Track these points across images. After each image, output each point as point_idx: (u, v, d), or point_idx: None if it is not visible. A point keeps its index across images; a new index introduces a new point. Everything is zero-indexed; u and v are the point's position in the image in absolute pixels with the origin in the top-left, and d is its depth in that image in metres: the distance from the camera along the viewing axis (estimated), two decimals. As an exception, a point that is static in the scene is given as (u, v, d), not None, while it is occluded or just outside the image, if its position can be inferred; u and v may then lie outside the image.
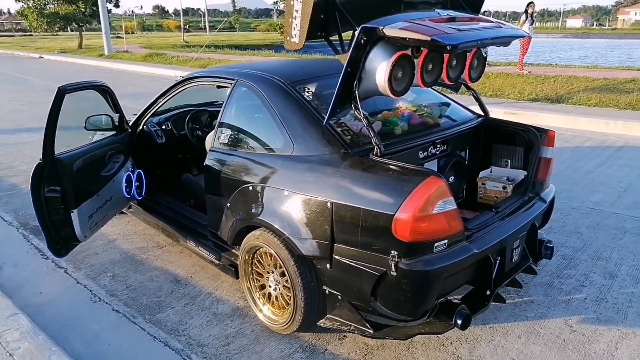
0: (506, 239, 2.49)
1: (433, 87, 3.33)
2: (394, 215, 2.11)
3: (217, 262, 3.07)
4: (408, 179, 2.17)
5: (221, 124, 3.03)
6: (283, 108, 2.67)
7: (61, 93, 2.68)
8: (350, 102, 2.41)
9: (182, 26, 46.86)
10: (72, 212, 2.92)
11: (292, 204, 2.47)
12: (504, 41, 2.60)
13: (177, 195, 3.80)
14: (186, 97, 3.80)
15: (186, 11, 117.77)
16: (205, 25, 67.23)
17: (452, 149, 3.03)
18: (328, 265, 2.37)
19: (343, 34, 2.67)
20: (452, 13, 2.55)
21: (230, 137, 2.98)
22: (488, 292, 2.46)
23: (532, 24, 11.72)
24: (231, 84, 3.02)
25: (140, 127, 3.82)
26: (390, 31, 2.20)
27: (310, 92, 2.80)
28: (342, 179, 2.33)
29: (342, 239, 2.29)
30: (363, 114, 2.40)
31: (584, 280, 3.24)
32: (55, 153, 2.83)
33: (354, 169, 2.34)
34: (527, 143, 3.02)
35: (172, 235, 3.52)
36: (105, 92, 3.34)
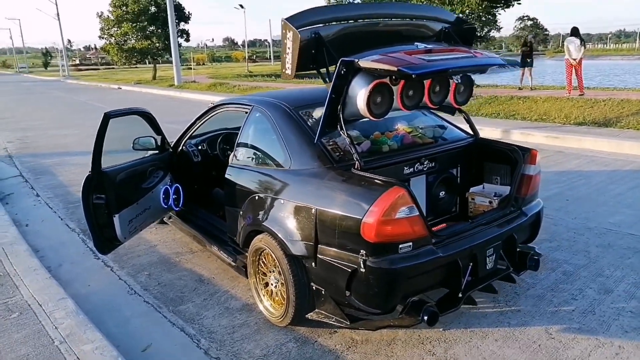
0: (476, 247, 2.74)
1: (432, 111, 3.67)
2: (362, 219, 2.46)
3: (234, 264, 3.51)
4: (375, 188, 2.52)
5: (239, 144, 3.53)
6: (286, 129, 3.11)
7: (106, 118, 3.29)
8: (337, 124, 2.81)
9: (246, 57, 49.40)
10: (115, 216, 3.49)
11: (286, 210, 2.88)
12: (478, 69, 2.91)
13: (209, 207, 4.31)
14: (222, 122, 4.35)
15: (253, 42, 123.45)
16: (270, 56, 70.22)
17: (441, 166, 3.32)
18: (313, 264, 2.74)
19: (331, 67, 3.09)
20: (431, 45, 2.89)
21: (244, 154, 3.46)
22: (460, 295, 2.71)
23: (582, 45, 11.54)
24: (249, 109, 3.52)
25: (180, 148, 4.41)
26: (364, 63, 2.59)
27: (310, 116, 3.22)
28: (325, 189, 2.72)
29: (324, 241, 2.66)
30: (347, 134, 2.78)
31: (578, 294, 3.36)
32: (102, 167, 3.43)
33: (335, 181, 2.72)
34: (512, 161, 3.25)
35: (200, 241, 4.02)
36: (147, 117, 3.95)
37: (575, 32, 11.67)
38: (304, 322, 2.97)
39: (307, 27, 2.79)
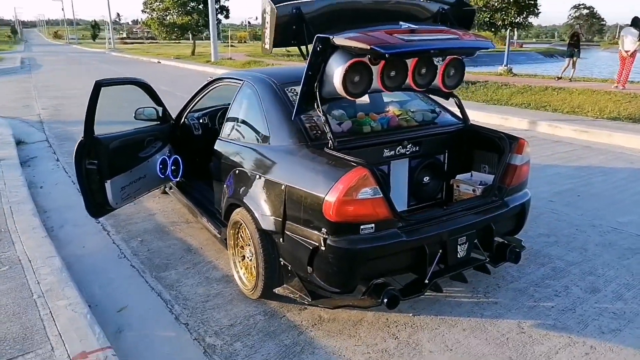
0: (446, 234, 2.69)
1: (429, 95, 3.58)
2: (324, 197, 2.45)
3: (219, 236, 3.57)
4: (340, 168, 2.50)
5: (227, 118, 3.56)
6: (269, 104, 3.11)
7: (97, 86, 3.38)
8: (314, 102, 2.79)
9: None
10: (106, 182, 3.60)
11: (260, 186, 2.90)
12: (463, 52, 2.81)
13: (206, 180, 4.39)
14: (228, 97, 4.42)
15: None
16: (312, 36, 69.47)
17: (425, 150, 3.25)
18: (281, 240, 2.76)
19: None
20: (415, 25, 2.81)
21: (231, 128, 3.49)
22: (426, 281, 2.68)
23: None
24: (240, 84, 3.53)
25: (182, 120, 4.48)
26: (338, 40, 2.55)
27: (296, 93, 3.21)
28: (295, 166, 2.72)
29: (291, 217, 2.67)
30: (323, 112, 2.76)
31: (562, 291, 3.26)
32: (95, 134, 3.53)
33: (305, 158, 2.71)
34: (500, 150, 3.15)
35: (194, 212, 4.11)
36: (146, 87, 4.03)
37: (635, 22, 11.02)
38: (275, 296, 3.01)
39: (288, 3, 2.76)
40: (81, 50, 47.95)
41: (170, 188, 4.66)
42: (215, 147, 3.55)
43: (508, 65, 14.99)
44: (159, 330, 2.86)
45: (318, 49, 2.62)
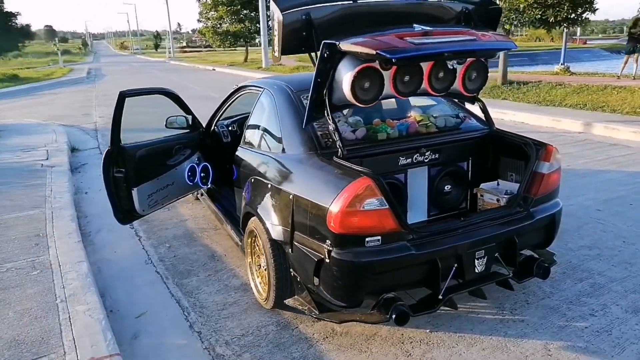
0: (462, 247, 2.54)
1: (456, 100, 3.42)
2: (328, 208, 2.38)
3: (239, 243, 3.58)
4: (345, 178, 2.42)
5: (248, 126, 3.57)
6: (284, 112, 3.08)
7: (122, 97, 3.48)
8: (323, 109, 2.73)
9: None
10: (133, 189, 3.70)
11: (272, 195, 2.87)
12: (480, 54, 2.65)
13: (233, 187, 4.43)
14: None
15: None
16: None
17: (446, 158, 3.10)
18: (290, 250, 2.71)
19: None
20: (430, 27, 2.68)
21: (251, 136, 3.49)
22: (440, 297, 2.54)
23: None
24: (260, 92, 3.53)
25: (212, 128, 4.55)
26: (345, 46, 2.48)
27: None
28: (303, 175, 2.67)
29: (299, 227, 2.62)
30: (332, 120, 2.69)
31: (599, 310, 3.00)
32: (122, 143, 3.64)
33: (313, 167, 2.66)
34: (527, 157, 2.94)
35: (220, 219, 4.15)
36: (173, 96, 4.11)
37: None
38: (288, 307, 2.96)
39: (297, 9, 2.71)
40: (143, 60, 50.34)
41: (202, 195, 4.74)
42: (235, 155, 3.57)
43: (565, 64, 14.21)
44: (173, 337, 2.89)
45: (325, 55, 2.56)
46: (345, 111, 3.64)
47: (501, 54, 12.04)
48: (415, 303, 2.60)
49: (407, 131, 3.12)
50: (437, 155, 3.07)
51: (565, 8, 9.69)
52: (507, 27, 10.86)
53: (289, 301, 2.83)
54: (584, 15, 10.11)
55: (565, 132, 8.11)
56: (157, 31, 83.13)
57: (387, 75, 2.68)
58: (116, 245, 4.21)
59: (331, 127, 2.70)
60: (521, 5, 10.23)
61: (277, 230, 2.77)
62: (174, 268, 3.74)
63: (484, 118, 3.32)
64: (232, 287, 3.42)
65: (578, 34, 45.73)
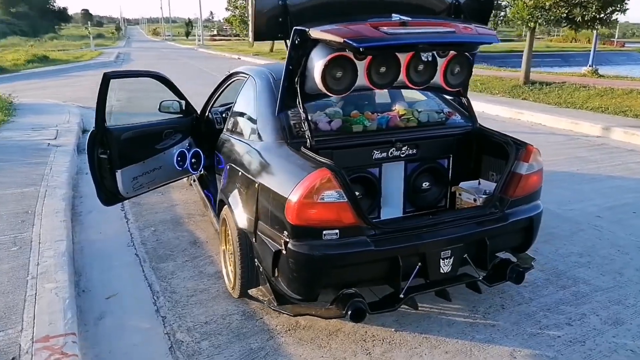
0: (425, 246, 2.45)
1: (444, 95, 3.31)
2: (287, 198, 2.33)
3: (218, 230, 3.56)
4: (306, 168, 2.35)
5: (231, 112, 3.53)
6: (262, 100, 3.03)
7: (106, 78, 3.48)
8: (295, 98, 2.66)
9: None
10: (117, 172, 3.71)
11: (241, 183, 2.83)
12: (462, 46, 2.55)
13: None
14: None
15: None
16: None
17: (423, 153, 3.00)
18: (254, 240, 2.67)
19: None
20: (408, 17, 2.58)
21: (232, 122, 3.45)
22: (401, 295, 2.46)
23: None
24: (246, 78, 3.48)
25: (206, 114, 4.53)
26: (314, 33, 2.40)
27: None
28: (270, 164, 2.62)
29: (262, 217, 2.58)
30: (304, 109, 2.63)
31: (576, 319, 2.87)
32: (107, 124, 3.65)
33: (279, 157, 2.60)
34: (507, 156, 2.82)
35: (205, 205, 4.14)
36: (165, 81, 4.10)
37: None
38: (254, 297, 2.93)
39: (275, -6, 2.64)
40: (173, 47, 50.93)
41: (194, 181, 4.74)
42: (218, 141, 3.54)
43: (593, 66, 13.72)
44: (137, 320, 2.89)
45: (296, 42, 2.49)
46: (338, 102, 3.58)
47: (525, 53, 11.73)
48: (376, 300, 2.53)
49: (386, 125, 3.03)
50: (414, 151, 2.97)
51: (594, 7, 9.31)
52: (531, 24, 10.51)
53: (252, 291, 2.79)
54: (614, 15, 9.70)
55: (582, 135, 7.83)
56: (189, 18, 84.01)
57: (362, 65, 2.59)
58: (103, 226, 4.25)
59: (302, 116, 2.64)
60: (547, 3, 9.89)
61: (243, 219, 2.74)
62: (154, 252, 3.75)
63: (468, 114, 3.20)
64: (206, 274, 3.41)
65: (616, 36, 44.11)
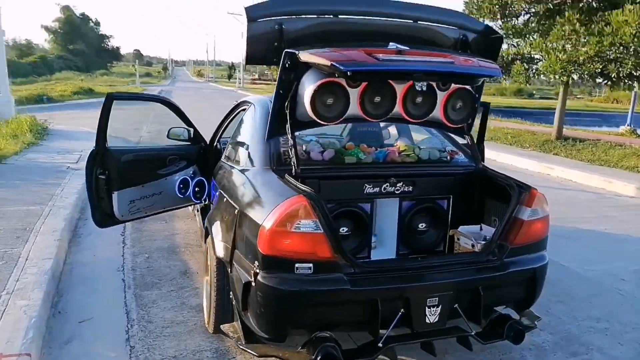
0: (409, 291, 2.22)
1: (451, 133, 3.15)
2: (260, 225, 2.17)
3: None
4: (283, 194, 2.21)
5: (230, 140, 3.46)
6: (258, 125, 2.94)
7: (109, 98, 3.49)
8: (285, 123, 2.55)
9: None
10: (114, 193, 3.66)
11: (225, 210, 2.70)
12: (458, 78, 2.40)
13: None
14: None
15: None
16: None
17: (420, 192, 2.81)
18: (229, 270, 2.51)
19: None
20: (406, 47, 2.46)
21: (229, 149, 3.38)
22: (380, 344, 2.22)
23: None
24: (248, 107, 3.43)
25: (215, 143, 4.49)
26: (303, 56, 2.32)
27: None
28: (250, 190, 2.49)
29: (238, 246, 2.42)
30: (291, 136, 2.51)
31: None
32: (108, 145, 3.63)
33: (261, 183, 2.47)
34: (509, 200, 2.59)
35: (201, 235, 4.01)
36: (173, 107, 4.10)
37: None
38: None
39: (271, 18, 2.59)
40: (214, 88, 52.76)
41: (198, 210, 4.65)
42: (215, 168, 3.46)
43: (631, 125, 13.26)
44: (104, 348, 2.73)
45: (287, 65, 2.40)
46: (345, 131, 3.47)
47: (557, 108, 11.45)
48: (352, 348, 2.29)
49: (384, 159, 2.88)
50: (410, 188, 2.78)
51: (630, 64, 9.04)
52: (564, 79, 10.29)
53: (225, 326, 2.60)
54: (651, 71, 9.38)
55: (615, 194, 7.41)
56: (232, 62, 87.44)
57: (354, 93, 2.47)
58: (99, 249, 4.17)
59: (290, 142, 2.52)
60: (581, 58, 9.68)
61: (221, 247, 2.59)
62: (142, 279, 3.62)
63: (471, 155, 3.00)
64: (188, 305, 3.23)
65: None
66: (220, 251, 2.58)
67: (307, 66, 2.42)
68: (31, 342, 2.45)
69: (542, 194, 2.60)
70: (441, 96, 2.64)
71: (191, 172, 4.21)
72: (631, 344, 3.01)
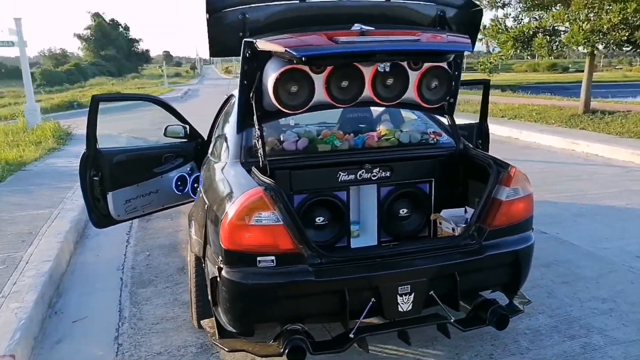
0: (378, 279, 2.15)
1: (420, 110, 3.03)
2: (221, 219, 2.15)
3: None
4: (243, 188, 2.17)
5: (215, 134, 3.44)
6: (233, 118, 2.90)
7: (95, 101, 3.52)
8: (251, 114, 2.51)
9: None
10: (108, 194, 3.71)
11: (199, 205, 2.69)
12: (425, 55, 2.29)
13: None
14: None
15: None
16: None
17: (399, 177, 2.71)
18: (204, 266, 2.49)
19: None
20: (371, 27, 2.36)
21: (213, 144, 3.36)
22: (351, 335, 2.16)
23: None
24: (233, 99, 3.39)
25: (211, 139, 4.49)
26: (260, 44, 2.26)
27: None
28: (217, 185, 2.47)
29: (209, 241, 2.40)
30: (258, 127, 2.46)
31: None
32: (99, 147, 3.68)
33: (228, 177, 2.44)
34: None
35: (200, 231, 4.04)
36: (164, 105, 4.11)
37: None
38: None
39: (234, 8, 2.53)
40: (240, 83, 53.16)
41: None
42: (202, 164, 3.45)
43: (668, 94, 12.51)
44: (93, 346, 2.78)
45: (247, 55, 2.35)
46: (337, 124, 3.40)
47: (584, 80, 10.96)
48: (324, 340, 2.24)
49: (362, 145, 2.79)
50: (388, 173, 2.69)
51: (657, 29, 8.54)
52: (588, 49, 9.82)
53: (204, 322, 2.59)
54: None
55: (641, 167, 7.04)
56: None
57: (319, 79, 2.40)
58: (103, 249, 4.26)
59: (256, 133, 2.47)
60: (605, 26, 9.20)
61: (195, 243, 2.58)
62: (139, 276, 3.67)
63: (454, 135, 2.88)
64: (180, 301, 3.25)
65: None
66: (195, 247, 2.58)
67: (269, 55, 2.36)
68: (17, 344, 2.51)
69: (523, 172, 2.46)
70: (414, 76, 2.53)
71: (188, 168, 4.23)
72: (636, 325, 2.83)
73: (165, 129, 4.18)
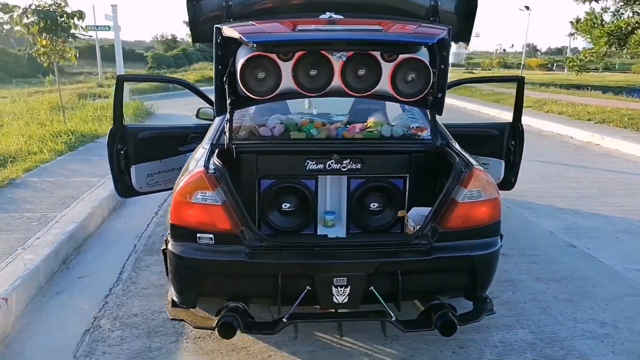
0: (311, 268, 2.15)
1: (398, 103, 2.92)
2: (172, 197, 2.28)
3: None
4: (193, 168, 2.28)
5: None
6: None
7: (120, 81, 3.81)
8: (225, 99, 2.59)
9: (522, 63, 44.95)
10: (131, 167, 4.02)
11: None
12: (384, 47, 2.22)
13: None
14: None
15: (560, 50, 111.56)
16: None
17: (370, 170, 2.65)
18: (172, 239, 2.65)
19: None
20: (340, 16, 2.34)
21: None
22: (284, 319, 2.19)
23: None
24: None
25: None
26: (225, 31, 2.33)
27: None
28: (189, 164, 2.59)
29: (170, 215, 2.55)
30: (229, 111, 2.55)
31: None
32: (125, 123, 3.98)
33: (195, 156, 2.55)
34: None
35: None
36: (189, 87, 4.33)
37: None
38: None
39: (218, -6, 2.62)
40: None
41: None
42: None
43: None
44: (84, 301, 3.07)
45: (218, 40, 2.43)
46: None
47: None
48: (260, 321, 2.29)
49: (342, 136, 2.77)
50: (358, 166, 2.64)
51: None
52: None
53: (169, 292, 2.75)
54: None
55: None
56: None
57: (287, 67, 2.42)
58: (132, 217, 4.62)
59: (226, 117, 2.56)
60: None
61: (168, 219, 2.74)
62: (152, 245, 3.95)
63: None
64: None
65: None
66: (167, 222, 2.74)
67: (236, 41, 2.43)
68: (14, 289, 2.84)
69: (487, 175, 2.30)
70: (388, 68, 2.46)
71: (212, 149, 4.44)
72: (627, 355, 2.55)
73: (198, 110, 4.42)
